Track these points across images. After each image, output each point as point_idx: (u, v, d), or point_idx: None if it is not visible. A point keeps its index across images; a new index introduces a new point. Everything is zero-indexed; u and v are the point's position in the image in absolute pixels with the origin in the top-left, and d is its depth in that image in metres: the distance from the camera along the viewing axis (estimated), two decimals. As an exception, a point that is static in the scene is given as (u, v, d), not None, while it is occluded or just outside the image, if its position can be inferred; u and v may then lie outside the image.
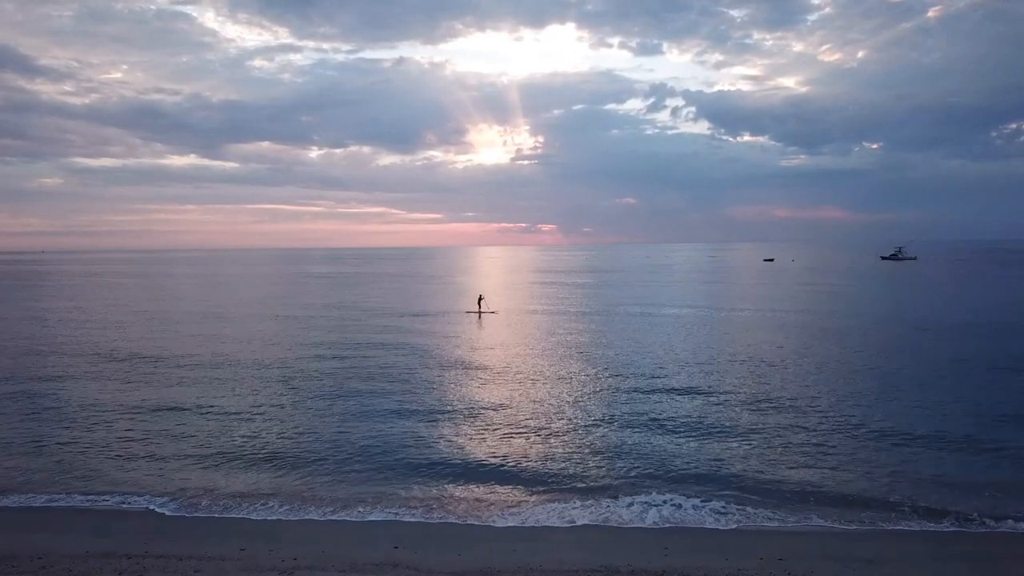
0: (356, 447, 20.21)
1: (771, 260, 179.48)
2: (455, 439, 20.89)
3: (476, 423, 22.57)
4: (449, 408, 24.55)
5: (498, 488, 17.02)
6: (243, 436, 21.33)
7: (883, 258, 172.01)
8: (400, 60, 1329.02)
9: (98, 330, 46.92)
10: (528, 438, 20.81)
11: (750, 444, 19.98)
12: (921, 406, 24.11)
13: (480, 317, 49.92)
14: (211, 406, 25.09)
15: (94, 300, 73.29)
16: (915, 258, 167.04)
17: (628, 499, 16.05)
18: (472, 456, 19.30)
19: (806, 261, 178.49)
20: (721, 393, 26.14)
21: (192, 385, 28.95)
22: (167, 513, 15.70)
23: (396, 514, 15.50)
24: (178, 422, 23.04)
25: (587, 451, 19.56)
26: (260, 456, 19.51)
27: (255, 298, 74.89)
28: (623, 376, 29.39)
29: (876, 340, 39.02)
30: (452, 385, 28.29)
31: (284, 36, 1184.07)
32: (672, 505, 15.76)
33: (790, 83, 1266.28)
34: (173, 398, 26.46)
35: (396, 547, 13.35)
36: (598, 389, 27.06)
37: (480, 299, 52.83)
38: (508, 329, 45.03)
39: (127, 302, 70.86)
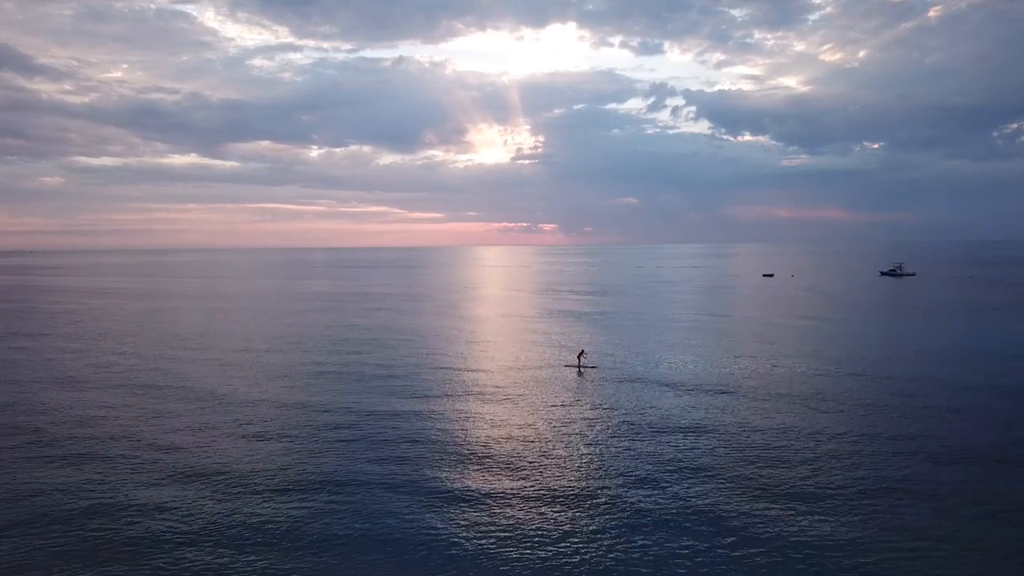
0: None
1: (770, 276, 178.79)
2: None
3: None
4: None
5: None
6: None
7: (882, 273, 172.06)
8: (400, 59, 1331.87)
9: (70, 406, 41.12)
10: None
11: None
12: None
13: (581, 372, 51.16)
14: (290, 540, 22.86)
15: (67, 339, 67.81)
16: (914, 274, 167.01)
17: None
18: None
19: (805, 276, 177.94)
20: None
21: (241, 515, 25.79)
22: None
23: None
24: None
25: None
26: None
27: (285, 337, 67.43)
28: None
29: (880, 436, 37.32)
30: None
31: (284, 35, 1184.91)
32: None
33: (791, 83, 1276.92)
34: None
35: None
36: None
37: (581, 353, 54.65)
38: (613, 388, 44.68)
39: (105, 342, 65.24)
